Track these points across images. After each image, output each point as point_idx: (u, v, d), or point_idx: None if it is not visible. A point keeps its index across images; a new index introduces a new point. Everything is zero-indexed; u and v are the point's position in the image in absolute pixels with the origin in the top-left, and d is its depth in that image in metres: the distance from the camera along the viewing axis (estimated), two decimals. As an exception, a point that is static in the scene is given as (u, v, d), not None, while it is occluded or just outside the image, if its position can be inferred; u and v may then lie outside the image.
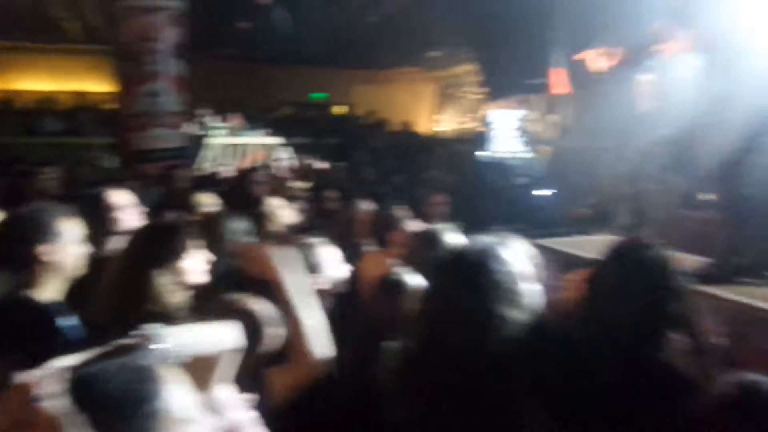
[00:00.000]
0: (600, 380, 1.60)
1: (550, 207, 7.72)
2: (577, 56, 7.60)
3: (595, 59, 7.63)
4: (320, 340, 1.81)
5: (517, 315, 1.53)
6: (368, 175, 8.25)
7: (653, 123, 5.99)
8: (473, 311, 1.53)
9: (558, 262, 3.31)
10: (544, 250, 3.81)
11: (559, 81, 7.26)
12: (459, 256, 1.69)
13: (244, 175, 5.54)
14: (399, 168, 9.39)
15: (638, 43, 6.78)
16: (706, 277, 3.03)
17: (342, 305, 2.25)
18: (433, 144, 11.87)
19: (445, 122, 15.25)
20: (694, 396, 1.62)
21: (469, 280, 1.57)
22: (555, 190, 8.18)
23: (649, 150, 5.96)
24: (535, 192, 8.23)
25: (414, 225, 3.27)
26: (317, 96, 14.77)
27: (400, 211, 3.55)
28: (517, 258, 1.64)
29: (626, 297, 1.73)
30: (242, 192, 4.81)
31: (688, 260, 3.35)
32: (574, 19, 7.35)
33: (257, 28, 10.07)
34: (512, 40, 7.32)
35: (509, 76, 7.47)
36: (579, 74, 7.76)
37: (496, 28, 7.62)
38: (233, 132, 10.25)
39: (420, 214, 3.99)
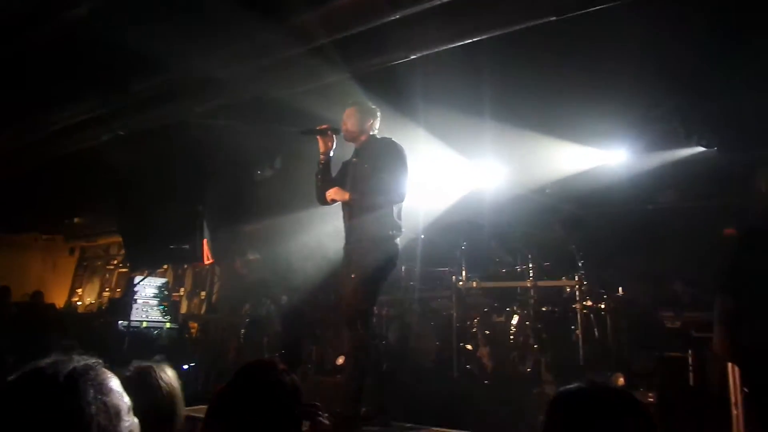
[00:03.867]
0: None
1: (190, 382, 7.35)
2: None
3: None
4: None
5: None
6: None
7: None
8: None
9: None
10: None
11: (205, 252, 7.31)
12: None
13: None
14: (17, 344, 8.13)
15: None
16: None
17: None
18: (69, 317, 10.70)
19: (86, 293, 13.94)
20: None
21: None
22: (197, 365, 7.89)
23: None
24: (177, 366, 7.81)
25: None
26: None
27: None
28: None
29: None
30: None
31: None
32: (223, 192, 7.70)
33: None
34: (158, 210, 7.23)
35: (154, 246, 7.27)
36: (225, 247, 7.98)
37: (141, 196, 7.47)
38: None
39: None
